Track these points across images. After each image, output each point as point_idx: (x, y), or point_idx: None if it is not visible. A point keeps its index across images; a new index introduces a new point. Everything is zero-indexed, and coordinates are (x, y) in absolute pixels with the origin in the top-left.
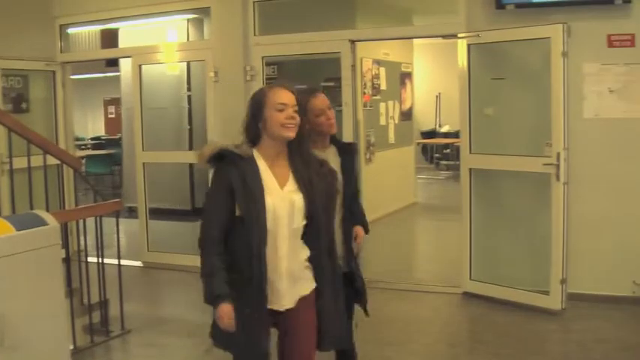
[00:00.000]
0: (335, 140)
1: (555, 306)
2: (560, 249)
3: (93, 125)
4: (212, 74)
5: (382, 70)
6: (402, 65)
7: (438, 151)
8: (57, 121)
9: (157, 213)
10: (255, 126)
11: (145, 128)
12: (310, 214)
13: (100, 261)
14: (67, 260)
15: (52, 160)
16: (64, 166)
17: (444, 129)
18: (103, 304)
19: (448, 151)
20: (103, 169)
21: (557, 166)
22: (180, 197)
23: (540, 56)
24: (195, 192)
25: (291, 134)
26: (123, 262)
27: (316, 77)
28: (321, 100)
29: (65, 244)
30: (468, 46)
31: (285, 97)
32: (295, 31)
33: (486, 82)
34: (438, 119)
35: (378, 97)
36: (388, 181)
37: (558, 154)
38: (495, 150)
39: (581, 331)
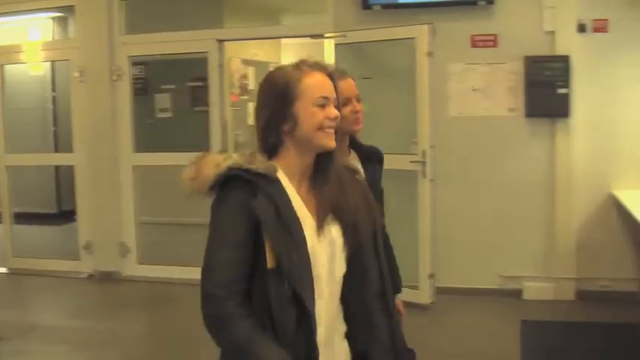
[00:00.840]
0: (356, 144)
1: (425, 300)
2: (428, 245)
3: None
4: (77, 74)
5: (251, 70)
6: (270, 65)
7: None
8: None
9: (21, 217)
10: (276, 128)
11: (8, 130)
12: (352, 253)
13: None
14: None
15: None
16: None
17: None
18: None
19: None
20: None
21: (424, 164)
22: (46, 200)
23: (406, 56)
24: (62, 194)
25: (332, 143)
26: None
27: (184, 77)
28: (349, 85)
29: None
30: (335, 45)
31: (327, 86)
32: (162, 30)
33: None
34: None
35: (246, 97)
36: None
37: (424, 152)
38: None
39: (451, 324)
